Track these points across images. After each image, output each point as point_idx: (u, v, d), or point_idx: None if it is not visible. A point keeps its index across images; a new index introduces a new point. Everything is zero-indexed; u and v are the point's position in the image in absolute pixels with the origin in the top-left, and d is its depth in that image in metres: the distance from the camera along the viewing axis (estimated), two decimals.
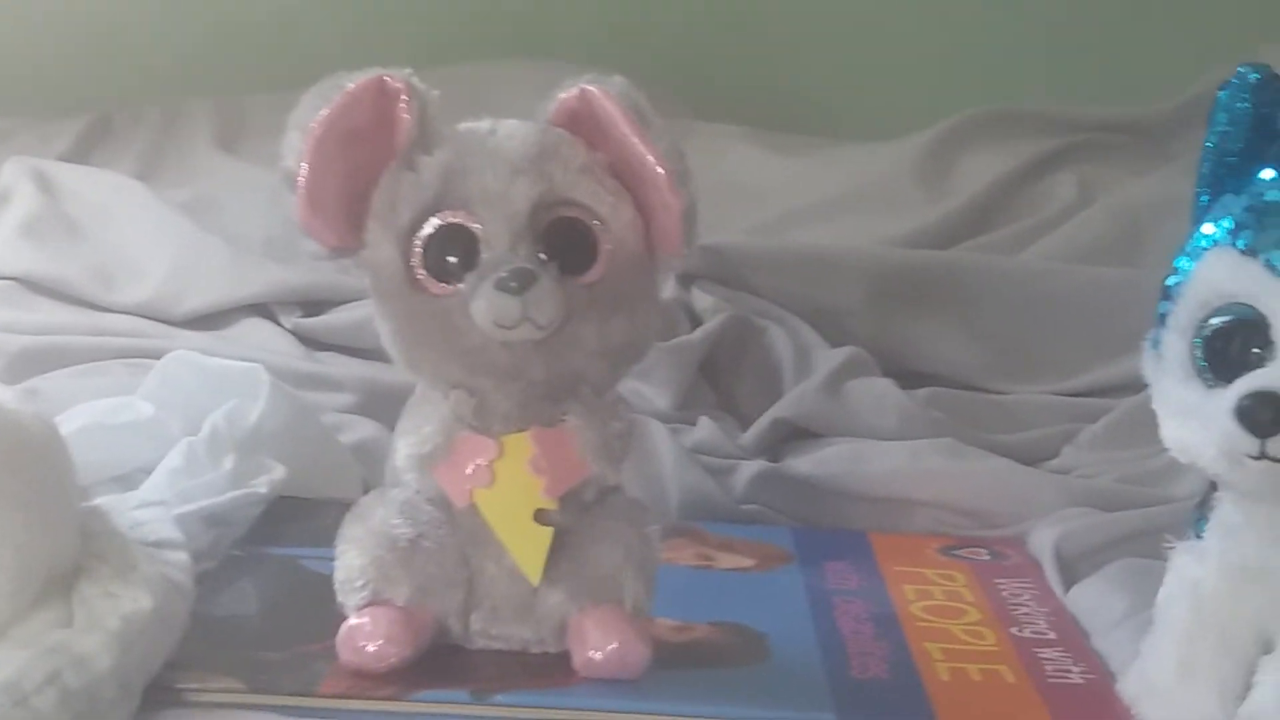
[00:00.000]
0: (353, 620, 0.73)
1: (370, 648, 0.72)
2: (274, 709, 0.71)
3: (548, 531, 0.74)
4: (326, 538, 0.77)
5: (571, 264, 0.71)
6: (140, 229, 1.28)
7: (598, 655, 0.73)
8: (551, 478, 0.73)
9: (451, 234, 0.71)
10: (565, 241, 0.71)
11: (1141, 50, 1.47)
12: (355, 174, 0.72)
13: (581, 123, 0.72)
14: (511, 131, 0.72)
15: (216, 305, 1.19)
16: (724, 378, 1.14)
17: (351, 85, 0.71)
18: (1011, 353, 1.16)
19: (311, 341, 1.17)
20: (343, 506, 0.78)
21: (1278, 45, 1.52)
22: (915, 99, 1.61)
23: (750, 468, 1.00)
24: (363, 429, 1.01)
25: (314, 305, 1.20)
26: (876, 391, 1.07)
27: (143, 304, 1.20)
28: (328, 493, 0.93)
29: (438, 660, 0.74)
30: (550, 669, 0.74)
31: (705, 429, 1.05)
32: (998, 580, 0.90)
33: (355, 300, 1.14)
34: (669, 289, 1.17)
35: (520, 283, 0.69)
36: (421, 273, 0.72)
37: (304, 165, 0.71)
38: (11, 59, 1.67)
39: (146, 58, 1.68)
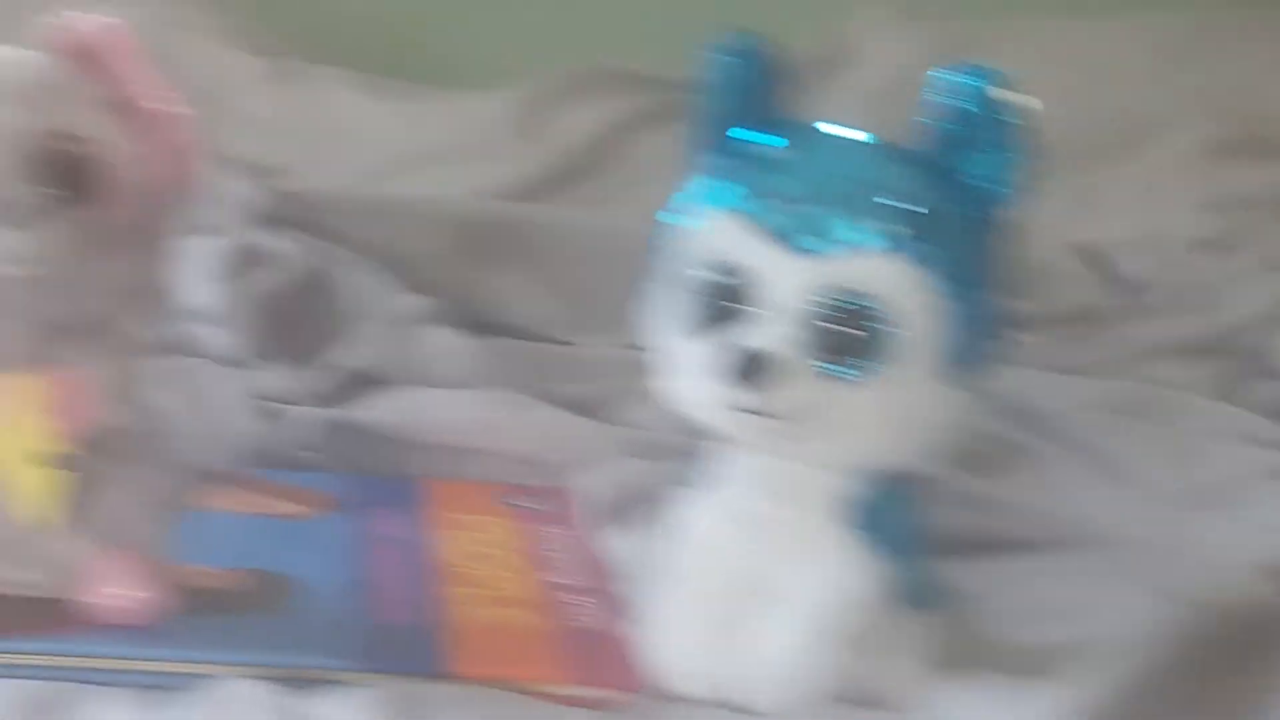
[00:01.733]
0: None
1: None
2: None
3: (60, 474, 0.72)
4: None
5: (77, 199, 0.69)
6: None
7: (109, 600, 0.72)
8: (66, 420, 0.71)
9: None
10: (69, 176, 0.68)
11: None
12: None
13: (82, 54, 0.70)
14: (4, 59, 0.70)
15: None
16: (300, 324, 1.12)
17: None
18: (583, 306, 1.17)
19: None
20: None
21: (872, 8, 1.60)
22: (524, 52, 1.62)
23: (315, 414, 0.99)
24: None
25: None
26: (446, 341, 1.07)
27: None
28: None
29: None
30: (57, 614, 0.73)
31: (273, 375, 1.04)
32: (542, 527, 0.91)
33: None
34: (250, 233, 1.15)
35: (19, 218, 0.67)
36: None
37: None
38: None
39: None
